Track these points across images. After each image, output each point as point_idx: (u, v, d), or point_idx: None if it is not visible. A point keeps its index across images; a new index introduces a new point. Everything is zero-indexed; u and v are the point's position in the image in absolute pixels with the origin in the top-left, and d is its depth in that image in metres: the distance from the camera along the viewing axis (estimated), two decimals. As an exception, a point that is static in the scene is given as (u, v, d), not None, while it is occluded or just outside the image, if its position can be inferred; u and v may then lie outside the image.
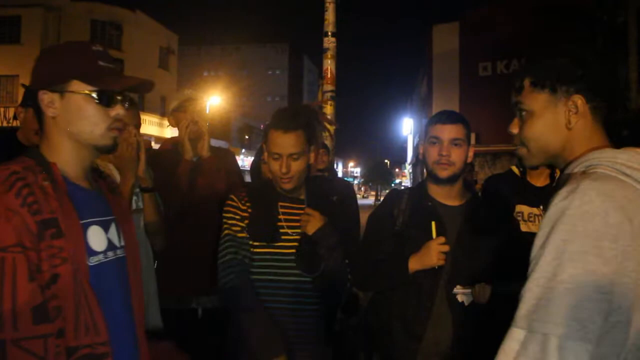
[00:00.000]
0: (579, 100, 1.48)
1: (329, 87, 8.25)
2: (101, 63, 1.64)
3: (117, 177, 2.71)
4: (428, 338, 2.37)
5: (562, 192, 1.32)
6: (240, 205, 2.55)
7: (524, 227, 2.99)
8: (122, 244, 1.75)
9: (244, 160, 42.37)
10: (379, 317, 2.57)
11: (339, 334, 3.10)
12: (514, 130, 1.61)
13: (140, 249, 2.84)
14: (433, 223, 2.41)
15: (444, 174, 2.43)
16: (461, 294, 2.36)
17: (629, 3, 12.23)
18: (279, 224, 2.52)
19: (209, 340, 3.20)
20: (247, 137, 47.35)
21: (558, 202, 1.32)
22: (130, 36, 32.72)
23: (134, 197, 2.91)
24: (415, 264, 2.37)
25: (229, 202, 2.58)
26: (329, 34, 8.20)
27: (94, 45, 1.66)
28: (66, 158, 1.63)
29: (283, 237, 2.50)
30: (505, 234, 2.50)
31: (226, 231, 2.54)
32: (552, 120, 1.52)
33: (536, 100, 1.54)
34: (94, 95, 1.61)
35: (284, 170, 2.45)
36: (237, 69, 71.20)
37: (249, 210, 2.54)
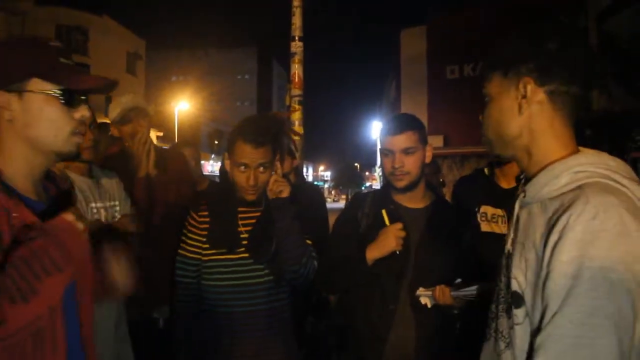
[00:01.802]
0: (527, 83, 1.36)
1: (296, 91, 8.25)
2: (62, 60, 1.47)
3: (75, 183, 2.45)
4: (392, 340, 2.38)
5: (577, 209, 1.19)
6: (197, 218, 2.55)
7: (486, 227, 3.01)
8: None
9: (214, 166, 42.08)
10: (345, 318, 2.58)
11: (310, 337, 3.11)
12: (481, 117, 1.51)
13: None
14: (383, 211, 2.43)
15: (400, 184, 2.43)
16: (424, 296, 2.35)
17: (589, 7, 12.49)
18: (239, 229, 2.52)
19: (171, 349, 3.18)
20: (216, 142, 47.01)
21: (584, 221, 1.17)
22: (96, 41, 32.29)
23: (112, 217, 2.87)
24: (373, 251, 2.36)
25: (188, 217, 2.59)
26: (296, 38, 8.21)
27: (51, 40, 1.50)
28: (17, 166, 1.45)
29: (243, 242, 2.50)
30: (467, 235, 2.52)
31: (180, 250, 2.58)
32: (506, 105, 1.41)
33: (492, 85, 1.45)
34: (58, 94, 1.44)
35: (251, 183, 2.44)
36: (205, 73, 70.65)
37: (207, 219, 2.54)
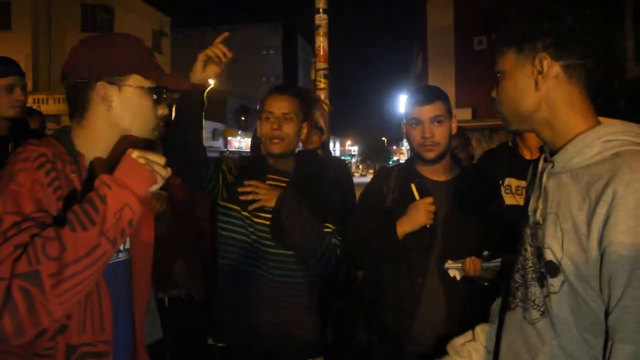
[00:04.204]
0: (544, 58, 1.36)
1: (322, 64, 8.16)
2: (154, 60, 1.61)
3: None
4: (421, 314, 2.37)
5: (624, 179, 1.19)
6: (233, 170, 2.56)
7: (511, 200, 2.97)
8: (127, 247, 1.66)
9: (241, 142, 42.26)
10: (371, 294, 2.57)
11: (337, 314, 3.09)
12: (493, 94, 1.53)
13: None
14: (413, 185, 2.42)
15: (430, 155, 2.42)
16: (453, 268, 2.35)
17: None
18: None
19: (176, 329, 3.20)
20: (242, 118, 47.14)
21: (635, 190, 1.18)
22: (121, 20, 32.35)
23: None
24: (404, 226, 2.36)
25: (222, 165, 2.56)
26: (321, 10, 8.10)
27: (143, 41, 1.63)
28: (101, 151, 1.57)
29: (266, 208, 2.46)
30: (494, 207, 2.50)
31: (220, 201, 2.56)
32: (521, 81, 1.42)
33: (506, 61, 1.46)
34: (152, 91, 1.58)
35: (274, 126, 2.46)
36: (231, 49, 70.58)
37: (238, 177, 2.53)
